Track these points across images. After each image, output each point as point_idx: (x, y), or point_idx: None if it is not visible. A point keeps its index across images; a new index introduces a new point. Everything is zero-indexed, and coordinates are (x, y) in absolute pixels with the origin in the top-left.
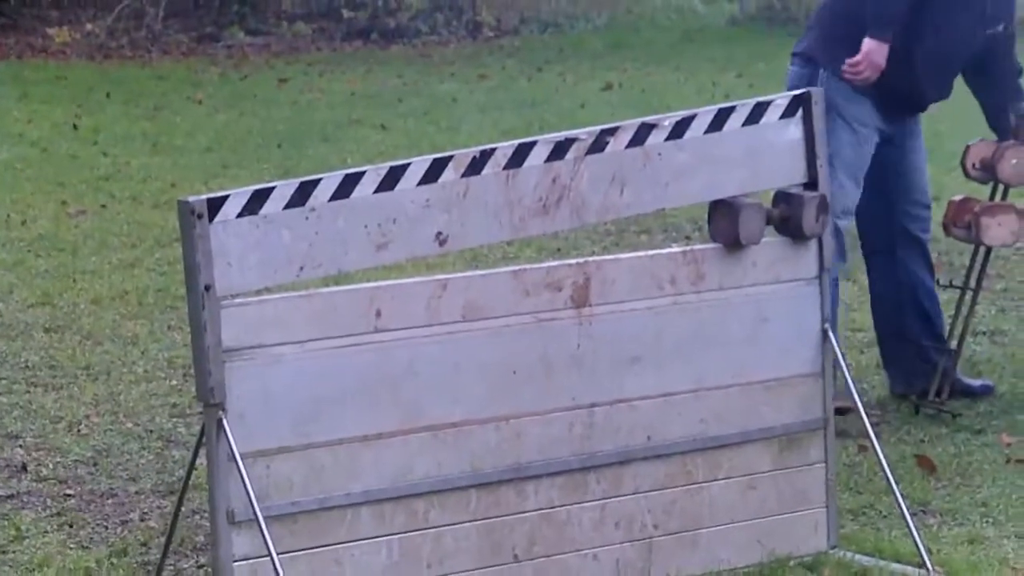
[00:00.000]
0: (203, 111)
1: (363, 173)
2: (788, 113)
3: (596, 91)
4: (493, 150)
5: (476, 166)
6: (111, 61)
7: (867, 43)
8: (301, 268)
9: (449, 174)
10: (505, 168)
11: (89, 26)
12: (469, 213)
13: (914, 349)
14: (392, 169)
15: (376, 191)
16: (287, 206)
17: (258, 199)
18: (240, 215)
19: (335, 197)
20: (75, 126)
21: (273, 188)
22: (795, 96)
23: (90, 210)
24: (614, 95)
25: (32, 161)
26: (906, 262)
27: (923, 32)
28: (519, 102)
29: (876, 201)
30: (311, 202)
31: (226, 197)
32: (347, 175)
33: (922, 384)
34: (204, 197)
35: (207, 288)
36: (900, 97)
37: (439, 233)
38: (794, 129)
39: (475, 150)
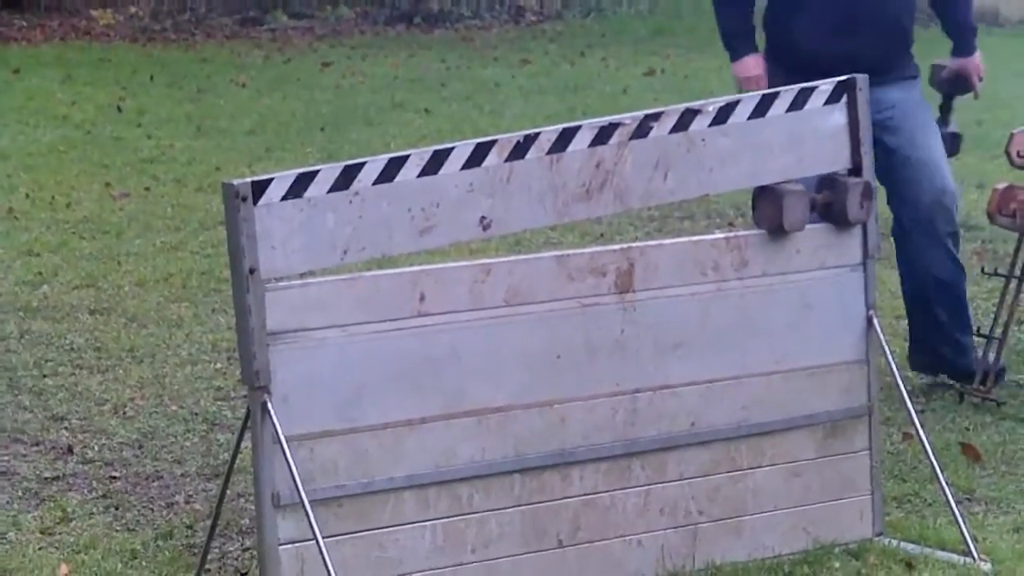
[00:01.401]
0: (247, 94)
1: (407, 157)
2: (832, 99)
3: (639, 76)
4: (537, 134)
5: (520, 150)
6: (155, 44)
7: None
8: (345, 252)
9: (493, 158)
10: (549, 153)
11: (133, 8)
12: (513, 198)
13: (922, 335)
14: (436, 153)
15: (420, 175)
16: (331, 189)
17: (302, 182)
18: (284, 198)
19: (379, 181)
20: (119, 108)
21: (317, 171)
22: (839, 82)
23: (134, 193)
24: (656, 81)
25: (76, 143)
26: (919, 248)
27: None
28: (561, 87)
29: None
30: (355, 186)
31: (270, 180)
32: (391, 159)
33: (932, 370)
34: (248, 180)
35: (251, 271)
36: (800, 65)
37: (483, 217)
38: (838, 115)
39: (519, 134)
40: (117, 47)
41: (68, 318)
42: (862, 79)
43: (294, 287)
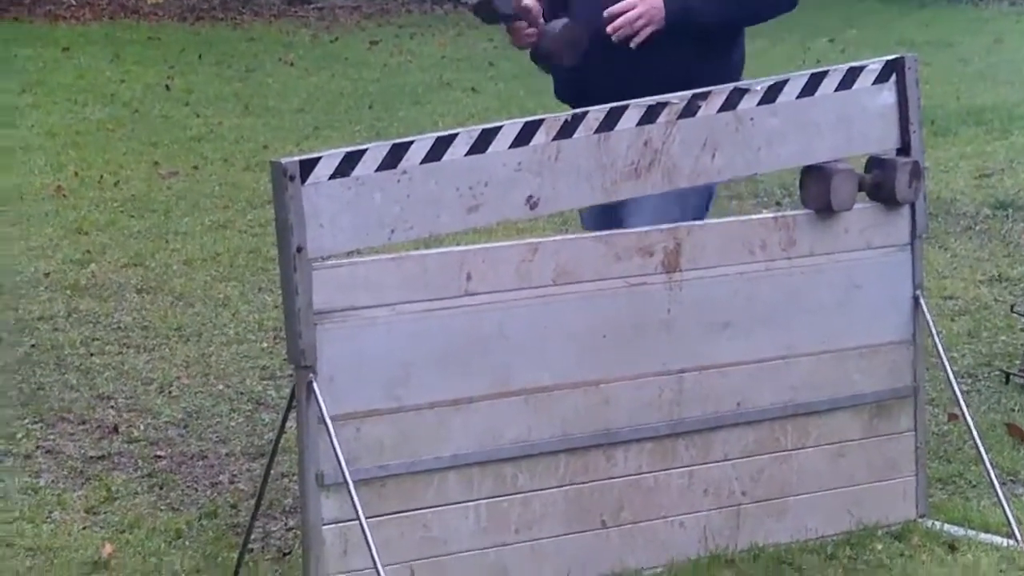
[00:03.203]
0: (294, 73)
1: (455, 136)
2: (881, 78)
3: None
4: (585, 113)
5: (568, 129)
6: (203, 23)
7: None
8: (392, 231)
9: (541, 137)
10: (597, 132)
11: None
12: (560, 176)
13: None
14: (484, 132)
15: (467, 154)
16: (379, 168)
17: (350, 161)
18: (332, 177)
19: (427, 160)
20: (167, 87)
21: (365, 150)
22: (888, 61)
23: (182, 171)
24: None
25: (125, 122)
26: None
27: None
28: None
29: None
30: (403, 164)
31: (318, 159)
32: (439, 138)
33: None
34: (296, 158)
35: (299, 250)
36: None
37: (530, 196)
38: (887, 94)
39: (567, 113)
40: (165, 26)
41: (115, 297)
42: (911, 59)
43: (341, 266)
